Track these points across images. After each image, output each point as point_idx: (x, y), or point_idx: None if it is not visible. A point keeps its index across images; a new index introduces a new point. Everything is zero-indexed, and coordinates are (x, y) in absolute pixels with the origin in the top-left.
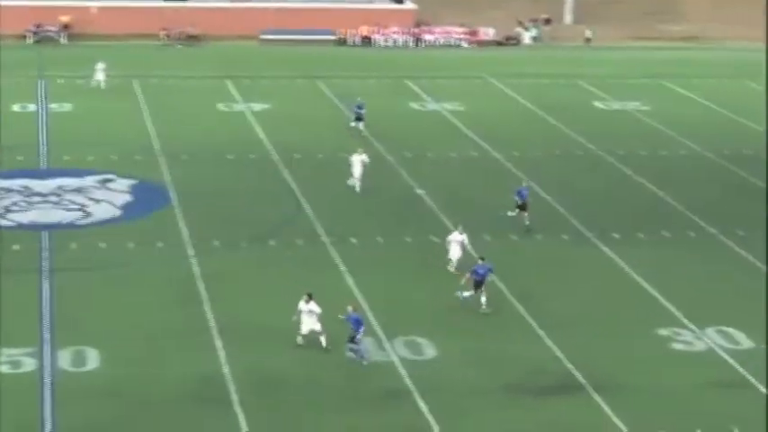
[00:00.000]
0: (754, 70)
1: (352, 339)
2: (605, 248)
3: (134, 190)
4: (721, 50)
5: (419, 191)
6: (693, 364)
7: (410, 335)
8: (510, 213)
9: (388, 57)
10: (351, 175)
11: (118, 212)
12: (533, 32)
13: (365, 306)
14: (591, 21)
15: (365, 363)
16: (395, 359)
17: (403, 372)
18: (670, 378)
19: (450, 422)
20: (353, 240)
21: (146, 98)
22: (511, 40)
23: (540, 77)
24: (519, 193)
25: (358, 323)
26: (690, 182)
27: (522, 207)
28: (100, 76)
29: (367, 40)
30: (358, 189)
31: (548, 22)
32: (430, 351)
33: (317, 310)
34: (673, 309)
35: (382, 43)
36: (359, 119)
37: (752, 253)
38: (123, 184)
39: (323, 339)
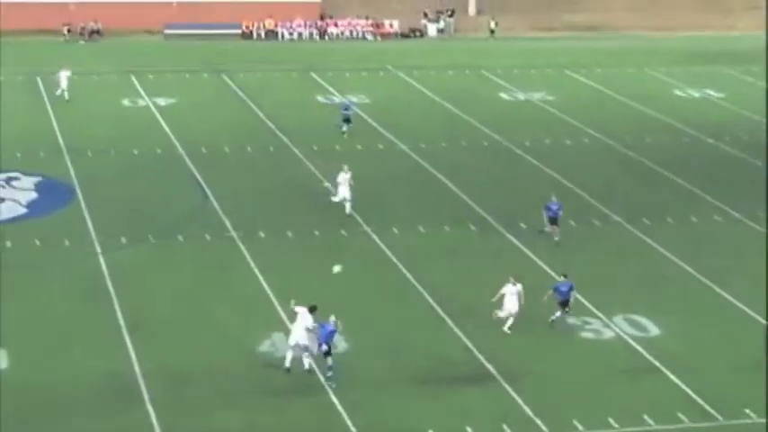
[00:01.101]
0: (656, 59)
1: (328, 353)
2: (512, 238)
3: (39, 187)
4: (623, 39)
5: (327, 184)
6: (602, 352)
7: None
8: (545, 230)
9: (293, 50)
10: (336, 193)
11: (23, 210)
12: (438, 24)
13: (275, 301)
14: (495, 12)
15: (333, 386)
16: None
17: (315, 365)
18: (579, 366)
19: (361, 414)
20: (262, 235)
21: (49, 94)
22: (416, 32)
23: (446, 69)
24: (548, 208)
25: (331, 335)
26: (594, 170)
27: (554, 221)
28: (63, 83)
29: (272, 34)
30: (348, 210)
31: (452, 13)
32: (341, 344)
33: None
34: (581, 297)
35: (287, 36)
36: (347, 120)
37: (657, 241)
38: (28, 181)
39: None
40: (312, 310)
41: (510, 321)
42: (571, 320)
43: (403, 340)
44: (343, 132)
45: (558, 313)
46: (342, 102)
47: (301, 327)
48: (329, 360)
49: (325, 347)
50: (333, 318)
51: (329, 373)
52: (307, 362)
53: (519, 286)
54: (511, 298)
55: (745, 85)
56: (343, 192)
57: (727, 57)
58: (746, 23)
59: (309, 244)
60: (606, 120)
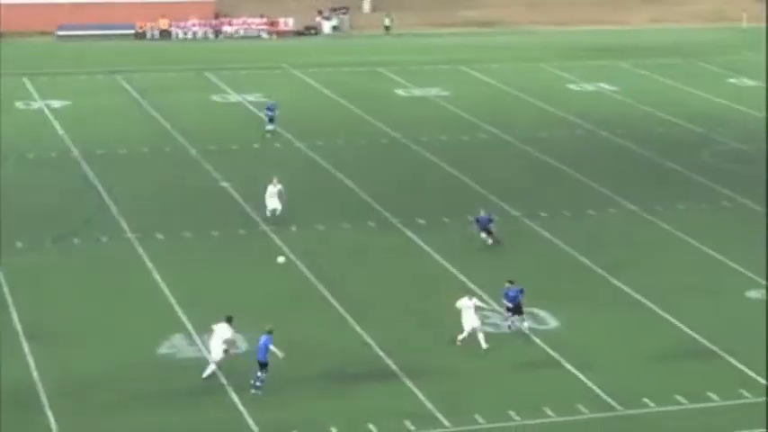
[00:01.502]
0: (550, 54)
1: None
2: (411, 234)
3: None
4: (519, 35)
5: (224, 184)
6: (502, 345)
7: None
8: (488, 242)
9: (187, 49)
10: (265, 205)
11: None
12: (333, 22)
13: (173, 302)
14: (389, 8)
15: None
16: (207, 354)
17: (214, 365)
18: (480, 361)
19: (263, 413)
20: (159, 236)
21: None
22: (311, 30)
23: (342, 66)
24: (478, 221)
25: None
26: (491, 166)
27: (486, 231)
28: None
29: (166, 34)
30: (277, 213)
31: (347, 11)
32: (241, 344)
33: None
34: (480, 292)
35: (182, 36)
36: (271, 120)
37: (554, 234)
38: None
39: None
40: (229, 320)
41: (470, 336)
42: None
43: (304, 339)
44: (267, 132)
45: (509, 322)
46: (267, 102)
47: (219, 341)
48: (262, 373)
49: (262, 358)
50: (268, 327)
51: (258, 384)
52: (210, 369)
53: (475, 300)
54: (467, 312)
55: (638, 79)
56: (273, 204)
57: (621, 51)
58: (640, 18)
59: (208, 244)
60: (502, 115)
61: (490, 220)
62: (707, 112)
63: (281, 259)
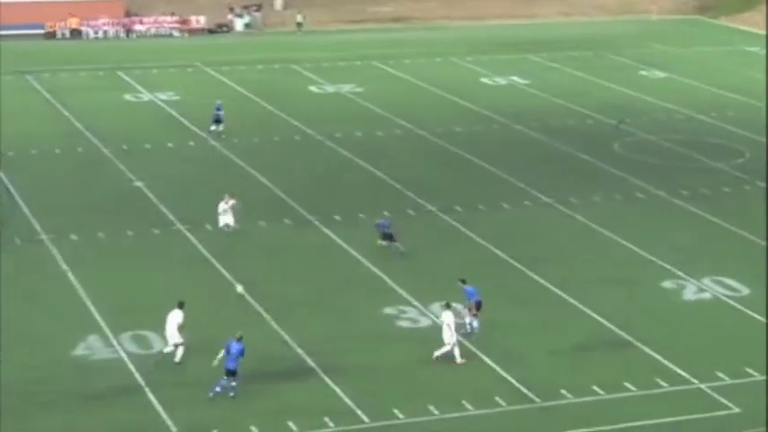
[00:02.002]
0: (462, 48)
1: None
2: (328, 231)
3: None
4: (430, 30)
5: (138, 183)
6: (420, 340)
7: (138, 329)
8: (382, 243)
9: (99, 49)
10: (219, 222)
11: None
12: (245, 19)
13: (88, 303)
14: (301, 5)
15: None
16: (123, 355)
17: (132, 367)
18: (399, 356)
19: (181, 413)
20: (74, 237)
21: None
22: (223, 28)
23: (255, 64)
24: (379, 226)
25: (239, 354)
26: (406, 161)
27: (388, 237)
28: None
29: (77, 33)
30: (229, 228)
31: (259, 8)
32: (158, 344)
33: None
34: (397, 287)
35: (92, 35)
36: (218, 121)
37: (470, 228)
38: None
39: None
40: (181, 306)
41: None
42: (389, 310)
43: (223, 338)
44: (214, 132)
45: (468, 318)
46: (214, 102)
47: (173, 326)
48: (233, 381)
49: (232, 365)
50: (238, 335)
51: (231, 394)
52: (179, 355)
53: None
54: (446, 328)
55: (549, 72)
56: (225, 219)
57: (532, 44)
58: (549, 11)
59: (122, 244)
60: (416, 110)
61: (387, 227)
62: (617, 103)
63: (239, 289)
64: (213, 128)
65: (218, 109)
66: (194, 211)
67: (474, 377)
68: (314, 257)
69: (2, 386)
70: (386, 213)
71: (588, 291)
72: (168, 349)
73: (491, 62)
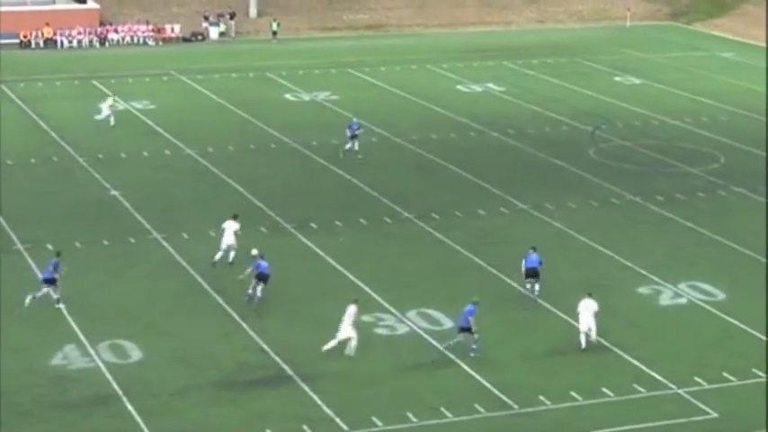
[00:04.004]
0: (438, 56)
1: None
2: (303, 238)
3: None
4: (405, 37)
5: (114, 192)
6: (398, 347)
7: (115, 338)
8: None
9: (73, 58)
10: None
11: None
12: (220, 27)
13: (65, 312)
14: (276, 13)
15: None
16: (100, 364)
17: (109, 376)
18: (376, 363)
19: (159, 423)
20: (50, 246)
21: None
22: (198, 36)
23: (230, 72)
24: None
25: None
26: (382, 168)
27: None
28: (106, 111)
29: (51, 42)
30: (230, 259)
31: (233, 16)
32: (135, 353)
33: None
34: (374, 294)
35: (67, 44)
36: (353, 137)
37: (447, 235)
38: None
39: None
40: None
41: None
42: (366, 318)
43: (199, 346)
44: (350, 152)
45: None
46: (353, 121)
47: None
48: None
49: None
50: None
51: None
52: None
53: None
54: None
55: (525, 79)
56: (228, 239)
57: (507, 51)
58: (524, 18)
59: (98, 253)
60: (392, 117)
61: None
62: (593, 110)
63: (254, 252)
64: (348, 146)
65: (356, 128)
66: (170, 220)
67: (452, 384)
68: (290, 265)
69: None
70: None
71: (564, 296)
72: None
73: (466, 69)
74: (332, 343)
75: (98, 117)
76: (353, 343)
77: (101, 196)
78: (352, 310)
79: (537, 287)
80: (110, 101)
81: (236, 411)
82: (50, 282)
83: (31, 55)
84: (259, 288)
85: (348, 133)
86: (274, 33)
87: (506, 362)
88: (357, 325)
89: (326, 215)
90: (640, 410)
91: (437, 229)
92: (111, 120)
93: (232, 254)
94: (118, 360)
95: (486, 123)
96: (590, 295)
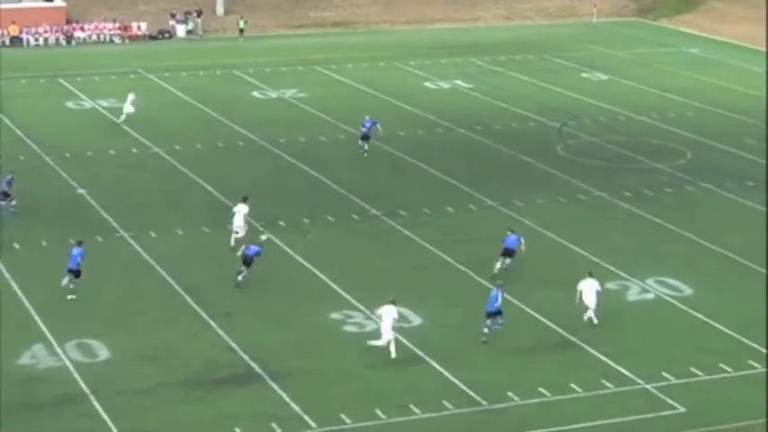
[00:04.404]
0: (405, 53)
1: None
2: (273, 236)
3: None
4: (372, 34)
5: (81, 191)
6: (367, 345)
7: (83, 337)
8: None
9: (40, 56)
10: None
11: None
12: (188, 26)
13: (32, 312)
14: (243, 11)
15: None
16: (68, 363)
17: (77, 375)
18: (345, 360)
19: (127, 422)
20: (16, 245)
21: None
22: (164, 34)
23: (197, 70)
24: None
25: None
26: (350, 166)
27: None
28: (130, 106)
29: (17, 41)
30: (240, 235)
31: (200, 14)
32: (103, 352)
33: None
34: (342, 292)
35: (33, 42)
36: (366, 137)
37: (415, 232)
38: None
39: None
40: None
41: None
42: (335, 315)
43: (168, 345)
44: (364, 151)
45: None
46: (364, 120)
47: (241, 216)
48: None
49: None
50: (263, 237)
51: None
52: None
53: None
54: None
55: (492, 75)
56: (238, 221)
57: (475, 48)
58: (492, 15)
59: (66, 252)
60: (360, 115)
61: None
62: (560, 106)
63: (263, 237)
64: (361, 143)
65: (373, 123)
66: (137, 219)
67: (421, 380)
68: (258, 263)
69: None
70: None
71: (532, 292)
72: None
73: (434, 66)
74: (379, 342)
75: (127, 112)
76: (392, 346)
77: (68, 195)
78: (389, 310)
79: (507, 262)
80: (131, 96)
81: (204, 410)
82: (75, 273)
83: None
84: (243, 271)
85: (363, 130)
86: (241, 31)
87: (475, 358)
88: (395, 326)
89: (295, 213)
90: (608, 406)
91: (405, 227)
92: (128, 112)
93: (237, 235)
94: (86, 359)
95: (454, 120)
96: (590, 275)
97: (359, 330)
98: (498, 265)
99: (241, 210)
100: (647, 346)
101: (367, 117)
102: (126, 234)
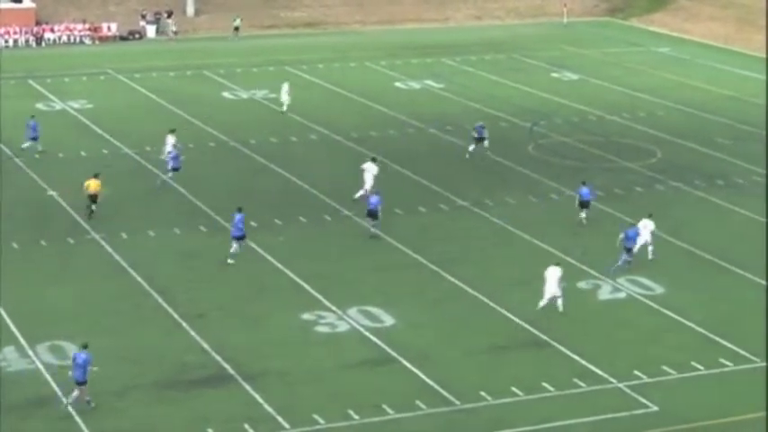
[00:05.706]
0: (376, 53)
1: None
2: None
3: None
4: (343, 35)
5: (51, 192)
6: (338, 345)
7: (54, 339)
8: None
9: (9, 57)
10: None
11: None
12: (161, 27)
13: (4, 314)
14: (213, 11)
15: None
16: (39, 365)
17: (49, 377)
18: (317, 361)
19: (99, 423)
20: None
21: None
22: (135, 35)
23: (167, 71)
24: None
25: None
26: (322, 166)
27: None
28: (286, 96)
29: None
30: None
31: (170, 14)
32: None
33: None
34: (314, 292)
35: (2, 44)
36: (481, 139)
37: (387, 233)
38: None
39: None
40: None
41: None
42: (306, 316)
43: (140, 346)
44: (474, 154)
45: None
46: (479, 123)
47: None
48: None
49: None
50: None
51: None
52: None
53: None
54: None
55: (463, 75)
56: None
57: (445, 48)
58: (462, 15)
59: (36, 254)
60: (331, 115)
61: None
62: (531, 106)
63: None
64: (472, 148)
65: (482, 128)
66: (108, 220)
67: (393, 380)
68: (230, 264)
69: None
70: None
71: (504, 291)
72: None
73: (405, 66)
74: (543, 302)
75: (286, 102)
76: (560, 301)
77: (38, 196)
78: (555, 271)
79: (583, 215)
80: (286, 86)
81: (177, 411)
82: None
83: None
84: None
85: (475, 135)
86: (236, 29)
87: (447, 358)
88: (561, 285)
89: (266, 214)
90: (581, 405)
91: (377, 227)
92: (287, 102)
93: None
94: (58, 361)
95: (425, 120)
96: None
97: (331, 331)
98: (583, 215)
99: (370, 169)
100: (618, 344)
101: (480, 123)
102: (97, 236)
